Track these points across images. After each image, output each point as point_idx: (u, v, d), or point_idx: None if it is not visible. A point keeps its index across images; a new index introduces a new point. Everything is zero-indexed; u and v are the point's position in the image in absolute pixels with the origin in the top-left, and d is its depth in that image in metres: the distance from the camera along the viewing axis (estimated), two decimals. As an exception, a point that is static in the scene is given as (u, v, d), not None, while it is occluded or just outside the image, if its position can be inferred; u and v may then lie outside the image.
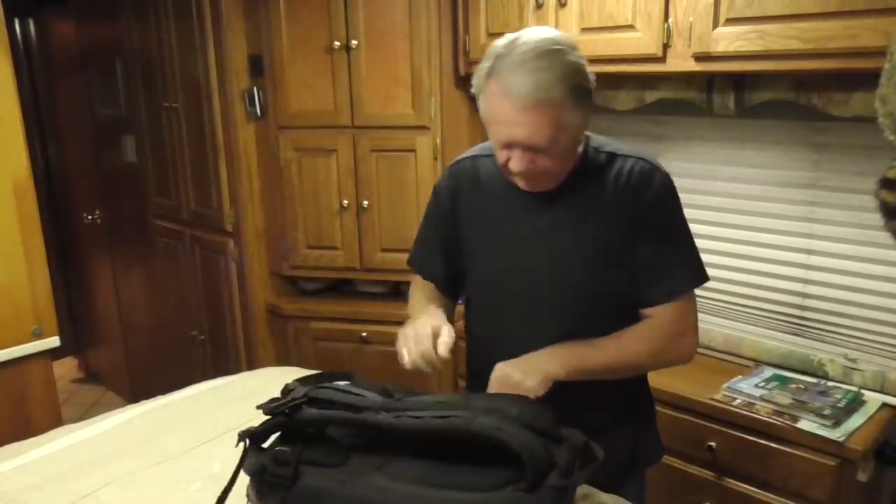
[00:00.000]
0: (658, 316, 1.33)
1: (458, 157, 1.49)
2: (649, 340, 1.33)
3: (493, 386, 1.24)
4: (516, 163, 1.22)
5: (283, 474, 1.02)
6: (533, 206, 1.34)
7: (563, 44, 1.20)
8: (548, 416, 1.06)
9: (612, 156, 1.33)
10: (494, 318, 1.42)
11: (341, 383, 1.17)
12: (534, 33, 1.21)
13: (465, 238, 1.44)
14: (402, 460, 1.04)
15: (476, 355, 1.50)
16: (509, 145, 1.22)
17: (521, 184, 1.30)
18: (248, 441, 1.07)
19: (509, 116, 1.18)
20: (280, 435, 1.10)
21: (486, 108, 1.24)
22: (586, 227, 1.31)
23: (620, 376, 1.37)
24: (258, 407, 1.11)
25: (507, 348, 1.34)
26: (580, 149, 1.32)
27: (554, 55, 1.17)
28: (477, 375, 1.44)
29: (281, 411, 1.07)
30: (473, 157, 1.46)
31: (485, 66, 1.21)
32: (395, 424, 1.02)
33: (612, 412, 1.41)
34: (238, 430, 1.08)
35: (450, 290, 1.51)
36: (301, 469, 1.03)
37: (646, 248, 1.30)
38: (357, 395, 1.09)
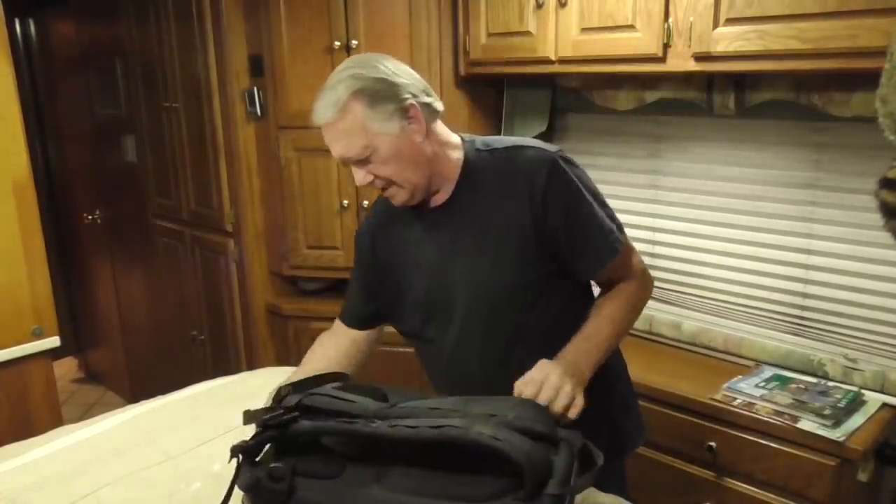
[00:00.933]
0: (611, 282, 1.40)
1: (373, 203, 1.57)
2: (627, 296, 1.38)
3: (533, 383, 1.17)
4: (358, 177, 1.31)
5: (279, 489, 1.01)
6: (433, 223, 1.39)
7: (354, 62, 1.31)
8: (545, 418, 1.06)
9: (495, 151, 1.36)
10: (432, 339, 1.45)
11: (333, 385, 1.16)
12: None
13: (390, 271, 1.48)
14: (398, 470, 1.03)
15: (435, 376, 1.52)
16: (345, 163, 1.32)
17: (393, 201, 1.35)
18: (240, 456, 1.05)
19: (326, 138, 1.30)
20: (273, 446, 1.09)
21: None
22: (488, 227, 1.33)
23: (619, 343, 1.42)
24: (246, 416, 1.10)
25: (449, 366, 1.43)
26: (456, 154, 1.36)
27: (339, 73, 1.28)
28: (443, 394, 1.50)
29: (274, 424, 1.06)
30: (384, 198, 1.48)
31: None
32: (389, 434, 1.01)
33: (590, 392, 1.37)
34: (234, 440, 1.06)
35: (369, 324, 1.56)
36: (296, 482, 1.02)
37: (558, 233, 1.32)
38: (349, 401, 1.08)
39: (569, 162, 1.35)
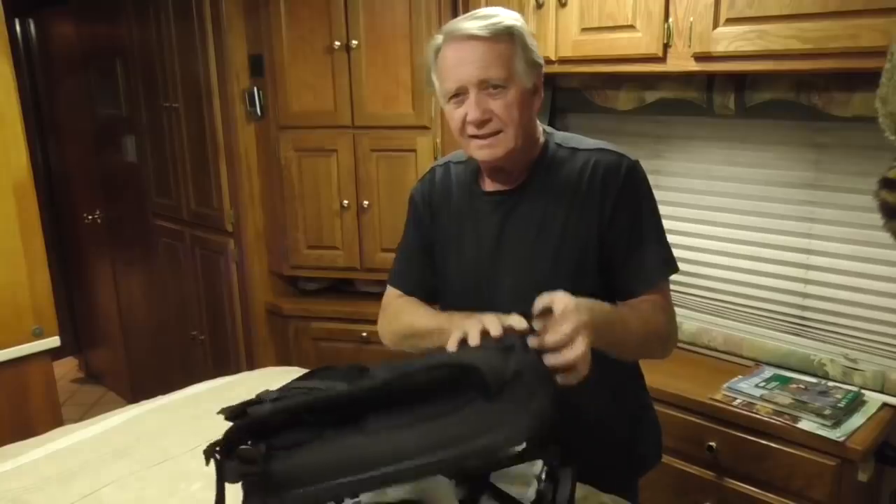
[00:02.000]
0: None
1: (433, 164, 1.50)
2: (664, 311, 1.30)
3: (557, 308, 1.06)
4: (473, 110, 1.22)
5: (254, 471, 1.00)
6: (495, 208, 1.34)
7: (506, 12, 1.26)
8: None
9: (575, 151, 1.32)
10: None
11: (300, 377, 1.15)
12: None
13: (438, 245, 1.43)
14: (374, 416, 1.01)
15: None
16: (462, 90, 1.23)
17: (481, 151, 1.26)
18: (216, 455, 1.04)
19: (462, 55, 1.23)
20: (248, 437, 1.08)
21: (439, 72, 1.28)
22: (550, 226, 1.29)
23: (631, 356, 1.34)
24: (223, 412, 1.09)
25: None
26: (540, 140, 1.33)
27: (498, 13, 1.25)
28: None
29: (239, 411, 1.05)
30: (446, 163, 1.45)
31: (436, 43, 1.28)
32: (350, 391, 0.99)
33: (604, 401, 1.35)
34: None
35: (421, 295, 1.47)
36: (274, 456, 1.01)
37: (617, 242, 1.28)
38: (316, 388, 1.06)
39: (643, 172, 1.32)
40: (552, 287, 1.22)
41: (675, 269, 1.33)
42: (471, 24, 1.22)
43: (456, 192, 1.41)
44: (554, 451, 1.05)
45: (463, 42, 1.23)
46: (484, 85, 1.22)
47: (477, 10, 1.27)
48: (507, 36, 1.22)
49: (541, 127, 1.36)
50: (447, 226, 1.41)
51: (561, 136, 1.36)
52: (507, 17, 1.25)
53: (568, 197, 1.28)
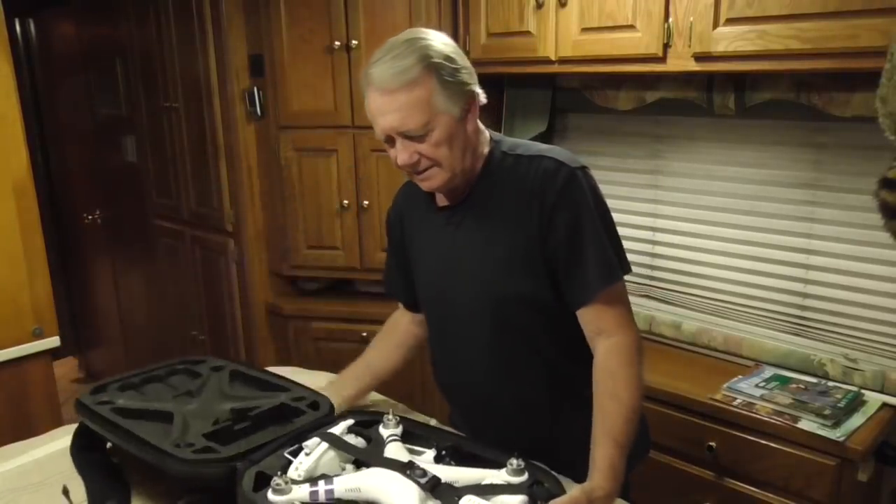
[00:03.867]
0: (598, 346, 1.27)
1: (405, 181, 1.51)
2: (623, 350, 1.25)
3: None
4: (402, 156, 1.24)
5: None
6: (448, 220, 1.36)
7: (422, 34, 1.25)
8: None
9: (519, 157, 1.31)
10: (437, 333, 1.47)
11: None
12: (396, 36, 1.26)
13: (411, 258, 1.49)
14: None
15: (437, 369, 1.53)
16: (389, 139, 1.25)
17: (422, 184, 1.30)
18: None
19: (379, 106, 1.22)
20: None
21: (368, 113, 1.27)
22: (497, 235, 1.30)
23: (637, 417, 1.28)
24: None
25: (450, 363, 1.45)
26: (485, 150, 1.33)
27: (411, 42, 1.22)
28: (443, 389, 1.53)
29: None
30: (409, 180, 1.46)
31: (363, 82, 1.26)
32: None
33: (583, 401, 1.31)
34: None
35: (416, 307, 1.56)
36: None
37: (556, 252, 1.27)
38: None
39: (589, 178, 1.29)
40: (507, 294, 1.30)
41: (619, 277, 1.28)
42: (382, 71, 1.20)
43: (419, 206, 1.44)
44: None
45: (378, 93, 1.22)
46: (405, 135, 1.23)
47: (393, 44, 1.23)
48: (421, 78, 1.19)
49: (486, 134, 1.35)
50: (414, 238, 1.47)
51: (509, 144, 1.35)
52: (422, 52, 1.21)
53: (511, 205, 1.29)
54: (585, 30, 2.04)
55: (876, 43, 1.53)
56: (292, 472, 1.15)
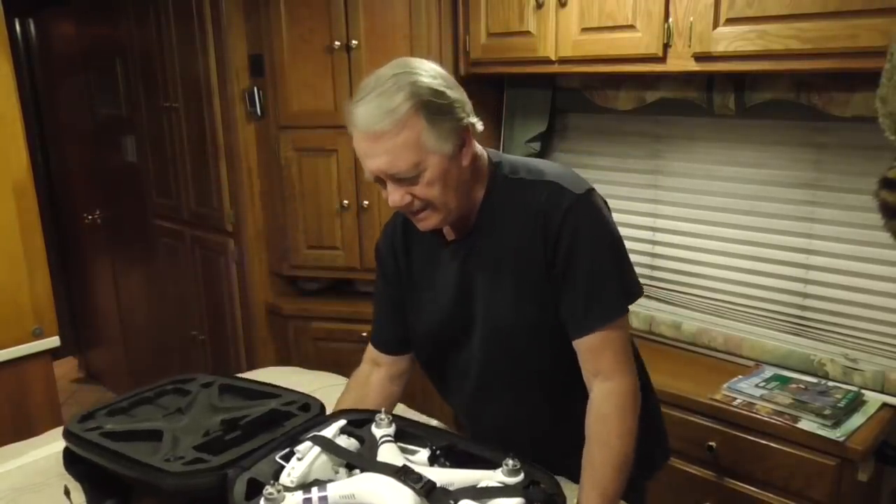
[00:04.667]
0: (594, 388, 1.23)
1: (393, 214, 1.43)
2: (619, 415, 1.21)
3: None
4: (394, 197, 1.19)
5: None
6: (453, 256, 1.31)
7: (411, 67, 1.17)
8: None
9: (522, 182, 1.25)
10: (439, 367, 1.42)
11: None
12: (383, 68, 1.20)
13: (409, 292, 1.41)
14: None
15: (445, 396, 1.50)
16: (380, 180, 1.19)
17: (418, 225, 1.24)
18: None
19: (366, 149, 1.16)
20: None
21: (356, 151, 1.20)
22: (505, 264, 1.25)
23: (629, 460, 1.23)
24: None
25: (462, 402, 1.41)
26: (486, 175, 1.27)
27: (398, 78, 1.15)
28: (455, 409, 1.52)
29: None
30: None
31: (347, 119, 1.19)
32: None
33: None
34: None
35: (405, 350, 1.47)
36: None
37: (556, 282, 1.22)
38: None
39: (593, 205, 1.23)
40: (520, 323, 1.26)
41: (619, 314, 1.22)
42: (368, 112, 1.13)
43: (423, 241, 1.37)
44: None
45: (364, 136, 1.15)
46: (395, 178, 1.17)
47: (376, 83, 1.15)
48: (408, 119, 1.12)
49: (485, 156, 1.28)
50: (417, 273, 1.39)
51: (510, 166, 1.28)
52: (407, 91, 1.13)
53: (516, 234, 1.24)
54: (585, 30, 2.04)
55: (876, 43, 1.53)
56: (284, 478, 1.15)
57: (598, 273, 1.21)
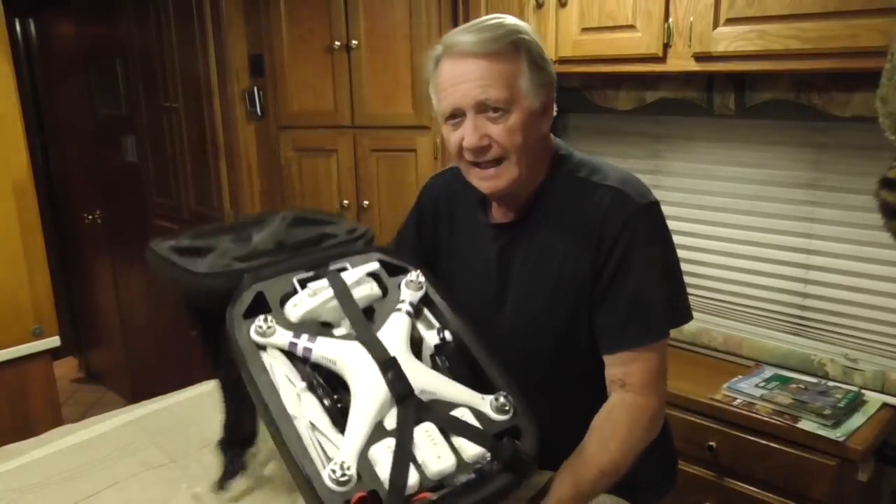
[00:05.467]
0: (616, 394, 1.16)
1: (449, 166, 1.38)
2: (631, 428, 1.14)
3: None
4: (469, 134, 1.12)
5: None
6: (494, 239, 1.25)
7: (514, 20, 1.16)
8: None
9: (584, 183, 1.19)
10: None
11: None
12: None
13: (441, 257, 1.36)
14: None
15: None
16: (458, 112, 1.13)
17: (483, 184, 1.18)
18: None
19: (458, 74, 1.11)
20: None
21: (436, 87, 1.16)
22: (547, 262, 1.19)
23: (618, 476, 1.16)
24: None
25: None
26: (550, 162, 1.22)
27: (502, 21, 1.14)
28: None
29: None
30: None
31: (434, 54, 1.17)
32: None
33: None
34: None
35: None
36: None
37: (597, 290, 1.16)
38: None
39: (655, 219, 1.16)
40: (550, 324, 1.20)
41: (660, 337, 1.15)
42: (471, 37, 1.11)
43: (463, 210, 1.31)
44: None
45: (460, 59, 1.11)
46: (482, 108, 1.11)
47: (481, 20, 1.15)
48: (511, 52, 1.10)
49: (555, 146, 1.25)
50: (454, 239, 1.33)
51: (576, 162, 1.23)
52: (514, 28, 1.13)
53: (568, 234, 1.18)
54: (585, 30, 2.04)
55: (876, 43, 1.53)
56: (289, 307, 1.10)
57: (645, 292, 1.14)
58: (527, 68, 1.12)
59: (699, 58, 1.84)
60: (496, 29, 1.11)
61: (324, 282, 1.12)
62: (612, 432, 1.14)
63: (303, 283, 1.13)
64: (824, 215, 2.05)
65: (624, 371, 1.15)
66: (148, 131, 3.16)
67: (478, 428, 1.00)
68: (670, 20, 1.87)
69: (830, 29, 1.61)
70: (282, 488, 1.27)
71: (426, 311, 1.16)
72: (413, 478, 0.93)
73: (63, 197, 4.17)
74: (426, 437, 0.96)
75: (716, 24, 1.79)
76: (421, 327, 1.14)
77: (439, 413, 1.00)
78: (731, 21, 1.77)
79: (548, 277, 1.20)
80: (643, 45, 1.93)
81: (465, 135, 1.13)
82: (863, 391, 1.94)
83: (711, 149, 2.25)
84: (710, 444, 1.93)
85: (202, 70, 2.69)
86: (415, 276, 1.16)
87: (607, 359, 1.17)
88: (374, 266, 1.17)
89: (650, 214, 1.16)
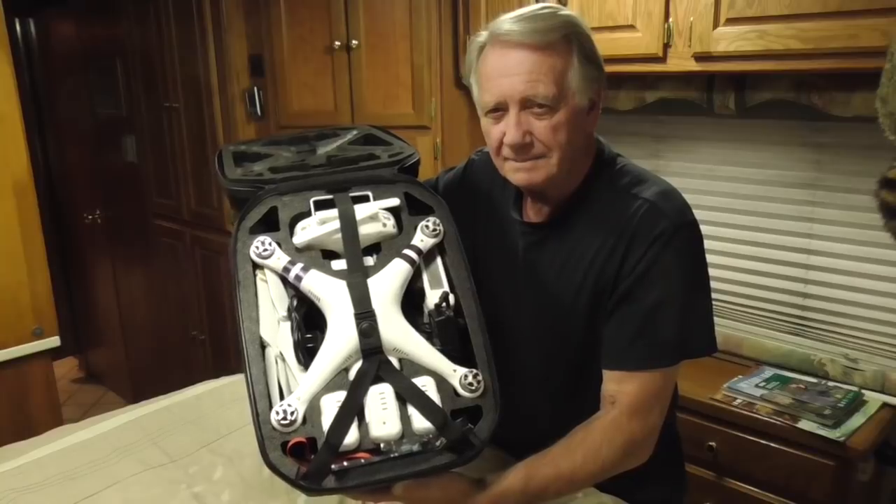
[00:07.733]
0: (605, 409, 1.10)
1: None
2: (606, 448, 1.08)
3: None
4: (511, 131, 1.06)
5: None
6: (520, 237, 1.22)
7: (566, 10, 1.11)
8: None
9: (624, 193, 1.13)
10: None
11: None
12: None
13: (470, 233, 1.27)
14: None
15: None
16: (502, 106, 1.08)
17: (517, 176, 1.12)
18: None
19: (505, 65, 1.06)
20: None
21: (478, 77, 1.11)
22: (573, 269, 1.15)
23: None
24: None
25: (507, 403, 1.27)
26: (591, 163, 1.17)
27: (555, 11, 1.08)
28: None
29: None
30: None
31: (479, 41, 1.12)
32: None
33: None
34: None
35: None
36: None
37: (616, 305, 1.11)
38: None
39: (688, 241, 1.12)
40: (567, 331, 1.17)
41: (669, 364, 1.09)
42: (520, 26, 1.05)
43: (501, 200, 1.26)
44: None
45: (508, 49, 1.05)
46: (528, 103, 1.06)
47: (531, 8, 1.09)
48: (563, 45, 1.04)
49: (599, 149, 1.20)
50: (485, 223, 1.28)
51: (620, 169, 1.18)
52: (567, 19, 1.07)
53: (598, 243, 1.12)
54: (585, 30, 2.04)
55: (876, 43, 1.53)
56: (298, 230, 1.07)
57: (661, 312, 1.07)
58: (577, 63, 1.06)
59: (699, 58, 1.84)
60: (548, 19, 1.06)
61: (333, 212, 1.07)
62: (581, 440, 1.08)
63: (320, 206, 1.09)
64: (824, 215, 2.05)
65: (617, 389, 1.10)
66: (148, 131, 3.16)
67: (433, 403, 0.95)
68: (670, 20, 1.87)
69: (830, 29, 1.61)
70: (281, 488, 1.27)
71: (438, 261, 1.09)
72: (352, 436, 0.92)
73: (63, 197, 4.17)
74: (378, 399, 0.94)
75: (716, 24, 1.79)
76: (426, 279, 1.07)
77: (401, 378, 0.97)
78: (731, 21, 1.77)
79: (573, 283, 1.15)
80: (643, 45, 1.93)
81: (507, 130, 1.08)
82: (863, 391, 1.94)
83: (712, 149, 2.25)
84: (711, 444, 1.93)
85: (202, 70, 2.69)
86: (432, 221, 1.09)
87: (605, 373, 1.12)
88: (393, 202, 1.10)
89: (682, 235, 1.10)
